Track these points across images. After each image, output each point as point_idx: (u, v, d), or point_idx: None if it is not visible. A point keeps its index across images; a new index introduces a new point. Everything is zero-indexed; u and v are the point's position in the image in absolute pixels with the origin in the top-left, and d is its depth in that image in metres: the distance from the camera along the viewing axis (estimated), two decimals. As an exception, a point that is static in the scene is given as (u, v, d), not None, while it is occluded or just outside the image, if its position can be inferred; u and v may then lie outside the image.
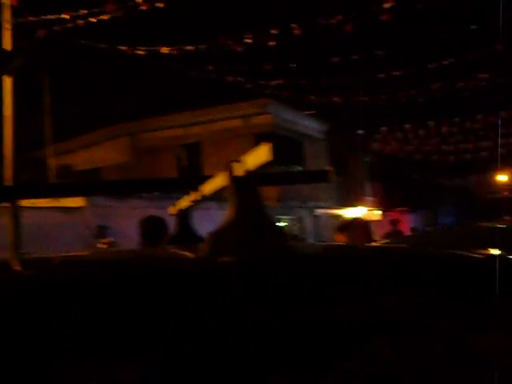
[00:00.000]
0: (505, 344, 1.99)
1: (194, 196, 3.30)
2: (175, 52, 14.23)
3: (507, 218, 44.03)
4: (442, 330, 1.97)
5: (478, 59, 17.89)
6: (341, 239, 4.93)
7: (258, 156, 2.26)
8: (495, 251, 2.73)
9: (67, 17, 11.83)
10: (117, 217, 15.71)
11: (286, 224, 25.12)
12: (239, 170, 2.28)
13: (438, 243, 5.49)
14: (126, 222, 13.22)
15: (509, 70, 20.29)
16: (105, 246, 14.09)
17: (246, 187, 2.28)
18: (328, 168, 2.93)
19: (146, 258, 2.94)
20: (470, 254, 2.55)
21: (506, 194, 60.36)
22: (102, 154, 26.00)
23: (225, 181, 2.39)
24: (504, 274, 2.00)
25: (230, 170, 2.30)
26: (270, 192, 22.92)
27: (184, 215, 3.68)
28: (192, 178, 7.61)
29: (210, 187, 2.81)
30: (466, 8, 16.88)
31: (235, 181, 2.31)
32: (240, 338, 1.84)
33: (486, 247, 4.95)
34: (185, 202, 3.58)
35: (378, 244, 5.27)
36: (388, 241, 7.35)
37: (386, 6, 11.26)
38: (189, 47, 13.74)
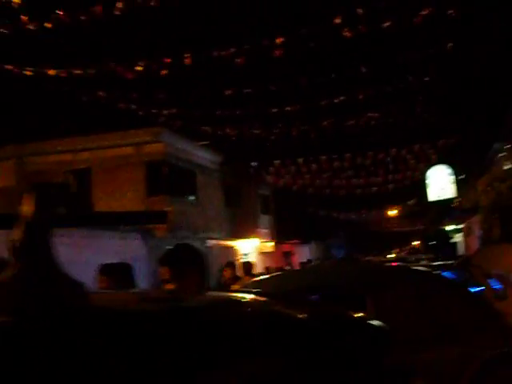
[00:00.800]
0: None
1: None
2: (63, 74, 13.75)
3: (395, 250, 45.40)
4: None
5: (369, 98, 18.49)
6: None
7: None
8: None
9: None
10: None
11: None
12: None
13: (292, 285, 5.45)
14: None
15: (397, 110, 21.12)
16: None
17: (33, 233, 1.92)
18: (166, 209, 2.70)
19: None
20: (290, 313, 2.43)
21: (394, 228, 62.81)
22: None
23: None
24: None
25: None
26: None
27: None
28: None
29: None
30: (356, 47, 17.43)
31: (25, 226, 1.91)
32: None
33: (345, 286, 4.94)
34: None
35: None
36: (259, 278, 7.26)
37: (278, 41, 11.36)
38: (77, 71, 13.28)
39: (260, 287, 5.79)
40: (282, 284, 5.74)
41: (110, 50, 19.21)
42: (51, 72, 13.66)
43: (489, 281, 10.04)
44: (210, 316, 2.13)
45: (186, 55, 12.40)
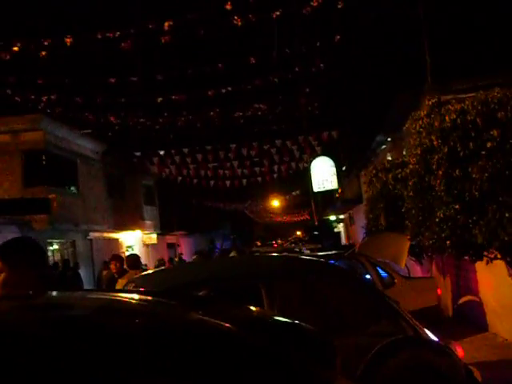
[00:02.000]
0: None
1: None
2: None
3: (280, 240, 46.14)
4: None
5: (256, 89, 18.47)
6: None
7: None
8: None
9: None
10: None
11: (57, 248, 23.72)
12: None
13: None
14: None
15: (283, 101, 21.28)
16: None
17: None
18: (51, 196, 2.33)
19: None
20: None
21: (279, 218, 63.99)
22: None
23: None
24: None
25: None
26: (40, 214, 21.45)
27: None
28: None
29: None
30: (246, 36, 17.33)
31: None
32: None
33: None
34: None
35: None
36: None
37: (166, 25, 10.95)
38: None
39: (149, 282, 5.49)
40: (171, 278, 5.46)
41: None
42: None
43: (376, 269, 10.30)
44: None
45: (66, 36, 11.69)
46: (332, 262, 9.34)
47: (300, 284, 5.38)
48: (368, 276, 9.88)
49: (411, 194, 8.33)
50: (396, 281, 10.15)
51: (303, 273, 5.54)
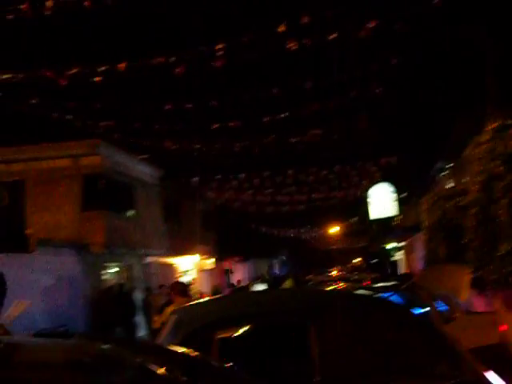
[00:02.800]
0: None
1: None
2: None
3: (337, 268, 45.52)
4: None
5: (313, 114, 18.23)
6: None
7: None
8: None
9: None
10: None
11: (113, 272, 23.87)
12: None
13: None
14: None
15: (340, 126, 20.96)
16: None
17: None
18: (28, 232, 2.14)
19: None
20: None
21: (336, 245, 63.23)
22: None
23: None
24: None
25: None
26: (97, 237, 21.66)
27: None
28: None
29: None
30: (300, 60, 17.16)
31: None
32: None
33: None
34: None
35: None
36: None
37: (218, 48, 10.84)
38: (5, 75, 12.43)
39: (192, 314, 5.23)
40: (216, 311, 5.17)
41: (41, 55, 18.35)
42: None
43: (434, 302, 9.75)
44: None
45: (121, 62, 11.71)
46: (389, 294, 8.87)
47: (352, 322, 5.02)
48: (427, 309, 9.35)
49: (474, 223, 7.83)
50: (457, 315, 9.58)
51: (356, 310, 5.17)
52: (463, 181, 14.04)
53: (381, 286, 11.01)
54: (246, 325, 5.35)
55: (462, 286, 9.76)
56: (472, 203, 8.12)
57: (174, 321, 5.12)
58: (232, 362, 5.03)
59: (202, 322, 4.78)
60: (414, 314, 6.22)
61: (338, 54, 15.24)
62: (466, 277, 9.73)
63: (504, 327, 9.91)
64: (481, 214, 7.44)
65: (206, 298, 7.48)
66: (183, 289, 8.47)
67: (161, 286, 20.70)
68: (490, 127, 8.27)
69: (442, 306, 9.77)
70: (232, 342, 5.27)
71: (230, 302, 5.54)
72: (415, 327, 5.21)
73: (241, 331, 5.48)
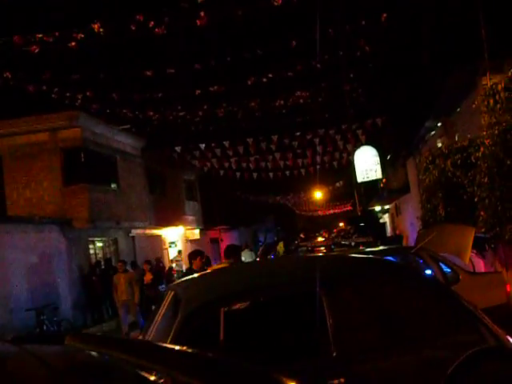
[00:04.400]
0: None
1: None
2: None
3: (324, 232, 45.36)
4: None
5: (297, 76, 17.73)
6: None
7: None
8: None
9: None
10: None
11: (99, 246, 23.40)
12: None
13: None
14: None
15: (326, 89, 20.45)
16: None
17: None
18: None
19: None
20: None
21: (323, 210, 63.04)
22: None
23: None
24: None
25: None
26: (80, 212, 21.13)
27: None
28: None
29: None
30: (284, 24, 16.57)
31: None
32: None
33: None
34: None
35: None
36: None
37: (200, 1, 10.21)
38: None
39: (192, 290, 4.79)
40: (220, 285, 4.73)
41: (8, 21, 17.57)
42: None
43: (438, 264, 9.40)
44: None
45: (94, 22, 11.02)
46: (393, 257, 8.48)
47: (367, 289, 4.62)
48: (429, 272, 8.98)
49: (486, 180, 7.37)
50: (461, 277, 9.24)
51: (368, 275, 4.76)
52: (456, 139, 13.63)
53: (384, 250, 10.61)
54: (254, 299, 4.95)
55: (465, 247, 9.41)
56: (484, 158, 7.60)
57: (172, 297, 4.69)
58: (240, 340, 4.65)
59: (206, 298, 4.34)
60: (431, 278, 5.86)
61: (324, 10, 14.65)
62: (470, 237, 9.36)
63: (509, 287, 9.62)
64: (496, 169, 6.99)
65: (208, 271, 7.01)
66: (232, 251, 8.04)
67: (148, 262, 20.29)
68: (510, 73, 7.60)
69: (445, 268, 9.43)
70: (240, 318, 4.88)
71: (234, 276, 5.10)
72: (434, 293, 4.82)
73: (248, 306, 5.09)
